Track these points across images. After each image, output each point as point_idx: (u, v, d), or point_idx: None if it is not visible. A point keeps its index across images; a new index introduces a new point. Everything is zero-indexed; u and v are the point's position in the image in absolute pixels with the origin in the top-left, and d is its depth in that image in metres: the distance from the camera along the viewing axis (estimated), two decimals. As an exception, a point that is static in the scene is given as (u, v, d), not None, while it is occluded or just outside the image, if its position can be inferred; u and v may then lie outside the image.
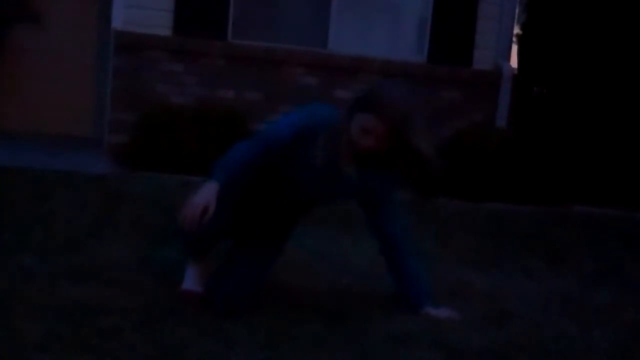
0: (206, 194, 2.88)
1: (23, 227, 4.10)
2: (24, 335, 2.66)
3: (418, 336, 3.00)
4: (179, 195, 4.37)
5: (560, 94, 7.38)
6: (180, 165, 6.01)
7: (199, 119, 6.26)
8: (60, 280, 3.30)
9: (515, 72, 7.62)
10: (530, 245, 5.04)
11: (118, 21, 6.65)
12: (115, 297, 3.16)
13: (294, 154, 3.09)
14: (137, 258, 3.81)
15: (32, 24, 7.65)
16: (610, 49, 7.04)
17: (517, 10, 7.84)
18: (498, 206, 6.18)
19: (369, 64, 7.22)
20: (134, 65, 6.65)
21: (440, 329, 3.12)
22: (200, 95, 6.78)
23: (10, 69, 7.57)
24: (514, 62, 7.87)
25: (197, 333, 2.86)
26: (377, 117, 2.96)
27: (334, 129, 3.06)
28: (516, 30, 7.75)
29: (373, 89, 3.10)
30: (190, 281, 3.27)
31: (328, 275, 3.86)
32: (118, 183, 5.38)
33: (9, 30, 7.45)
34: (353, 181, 3.13)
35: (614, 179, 7.02)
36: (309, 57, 7.13)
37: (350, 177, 3.11)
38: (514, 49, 7.89)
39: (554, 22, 7.34)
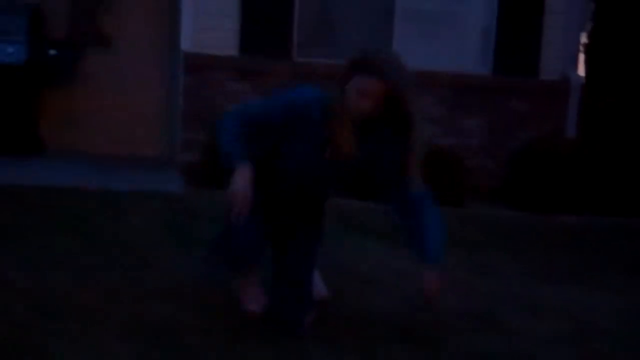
0: (241, 179, 2.90)
1: (104, 247, 4.22)
2: (113, 356, 2.74)
3: (499, 355, 2.99)
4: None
5: (631, 102, 7.24)
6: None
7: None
8: (144, 300, 3.39)
9: (584, 81, 7.51)
10: (607, 258, 4.96)
11: (187, 43, 6.80)
12: (197, 316, 3.23)
13: (292, 132, 3.06)
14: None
15: (103, 48, 7.88)
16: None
17: (584, 19, 7.73)
18: (572, 218, 6.09)
19: (433, 78, 7.21)
20: (202, 85, 6.79)
21: (521, 346, 3.10)
22: (267, 113, 6.87)
23: (82, 92, 7.81)
24: (581, 70, 7.76)
25: (283, 355, 2.89)
26: (378, 77, 2.94)
27: (328, 99, 3.03)
28: (583, 39, 7.63)
29: (369, 53, 3.07)
30: (249, 300, 3.28)
31: (397, 291, 3.86)
32: (192, 201, 5.51)
33: (81, 54, 7.67)
34: (355, 152, 3.07)
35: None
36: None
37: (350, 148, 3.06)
38: (582, 57, 7.77)
39: (622, 30, 7.21)
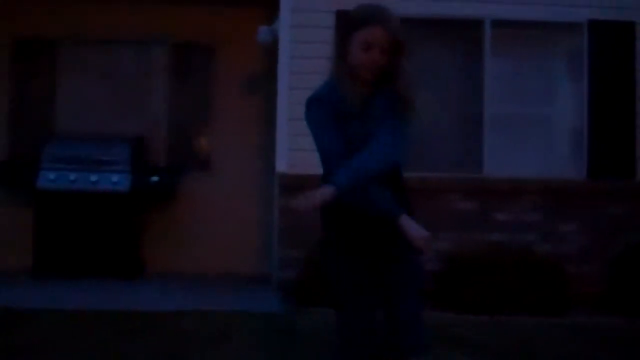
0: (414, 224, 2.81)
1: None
2: None
3: None
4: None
5: None
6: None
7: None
8: None
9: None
10: None
11: (282, 165, 7.04)
12: None
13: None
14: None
15: (202, 171, 8.23)
16: None
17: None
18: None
19: (526, 185, 7.19)
20: (297, 204, 6.94)
21: None
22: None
23: (182, 214, 8.12)
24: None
25: None
26: (382, 28, 2.83)
27: (331, 78, 2.94)
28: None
29: (369, 7, 2.93)
30: None
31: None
32: (291, 320, 5.56)
33: (181, 178, 8.03)
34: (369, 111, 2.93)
35: None
36: (464, 182, 7.19)
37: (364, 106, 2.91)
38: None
39: None
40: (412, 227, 2.82)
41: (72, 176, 7.40)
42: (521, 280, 6.40)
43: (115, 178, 7.44)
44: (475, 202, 7.17)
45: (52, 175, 7.40)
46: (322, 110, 2.93)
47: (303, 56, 7.09)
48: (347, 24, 2.92)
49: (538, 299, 6.35)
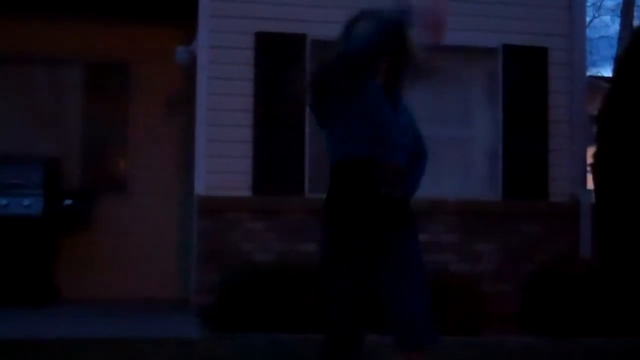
0: None
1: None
2: None
3: None
4: (270, 355, 4.37)
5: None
6: (267, 323, 6.06)
7: (279, 275, 6.36)
8: None
9: (594, 200, 7.56)
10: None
11: (200, 187, 6.94)
12: None
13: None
14: None
15: (118, 193, 8.04)
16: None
17: (589, 140, 7.90)
18: (591, 341, 6.00)
19: (443, 206, 7.29)
20: (217, 227, 6.87)
21: None
22: (281, 250, 6.92)
23: (97, 238, 7.90)
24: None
25: None
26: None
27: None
28: (589, 159, 7.74)
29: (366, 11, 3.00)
30: None
31: None
32: (209, 346, 5.46)
33: (95, 201, 7.83)
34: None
35: None
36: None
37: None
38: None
39: (626, 149, 7.33)
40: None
41: (-18, 199, 7.13)
42: (437, 300, 6.44)
43: (27, 201, 7.20)
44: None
45: (-39, 198, 7.11)
46: None
47: (222, 77, 7.04)
48: (393, 27, 2.96)
49: (454, 318, 6.41)
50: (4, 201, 7.16)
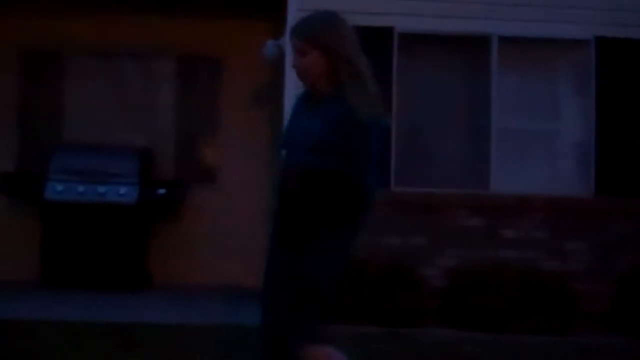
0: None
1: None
2: None
3: None
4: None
5: None
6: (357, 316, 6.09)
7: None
8: None
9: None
10: None
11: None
12: None
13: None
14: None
15: (208, 183, 8.24)
16: None
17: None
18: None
19: (532, 202, 7.16)
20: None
21: None
22: (367, 244, 6.91)
23: (187, 225, 8.13)
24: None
25: None
26: (291, 34, 3.16)
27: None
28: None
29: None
30: None
31: None
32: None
33: (187, 188, 8.03)
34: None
35: None
36: (470, 199, 7.17)
37: None
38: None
39: None
40: None
41: (81, 188, 7.43)
42: (527, 298, 6.37)
43: (122, 190, 7.46)
44: (481, 218, 7.15)
45: (60, 187, 7.43)
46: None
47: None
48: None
49: (543, 317, 6.31)
50: (101, 189, 7.44)
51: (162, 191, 7.77)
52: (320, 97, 3.10)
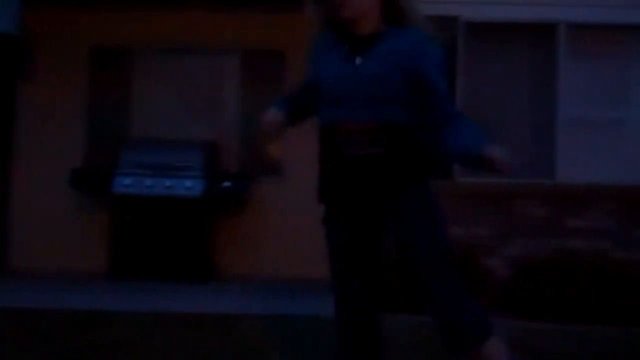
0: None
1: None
2: None
3: None
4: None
5: None
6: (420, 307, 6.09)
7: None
8: None
9: None
10: None
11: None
12: None
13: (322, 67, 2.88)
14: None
15: (273, 176, 8.30)
16: None
17: None
18: None
19: (600, 191, 7.03)
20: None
21: None
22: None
23: (252, 218, 8.22)
24: None
25: None
26: None
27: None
28: None
29: None
30: None
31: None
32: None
33: (252, 182, 8.11)
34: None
35: None
36: (537, 188, 7.08)
37: None
38: None
39: None
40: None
41: (148, 181, 7.58)
42: (595, 288, 6.27)
43: (188, 183, 7.59)
44: (548, 208, 7.05)
45: (128, 181, 7.59)
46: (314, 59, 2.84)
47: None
48: None
49: (615, 307, 6.20)
50: (167, 183, 7.58)
51: (227, 184, 7.87)
52: (364, 35, 2.71)
